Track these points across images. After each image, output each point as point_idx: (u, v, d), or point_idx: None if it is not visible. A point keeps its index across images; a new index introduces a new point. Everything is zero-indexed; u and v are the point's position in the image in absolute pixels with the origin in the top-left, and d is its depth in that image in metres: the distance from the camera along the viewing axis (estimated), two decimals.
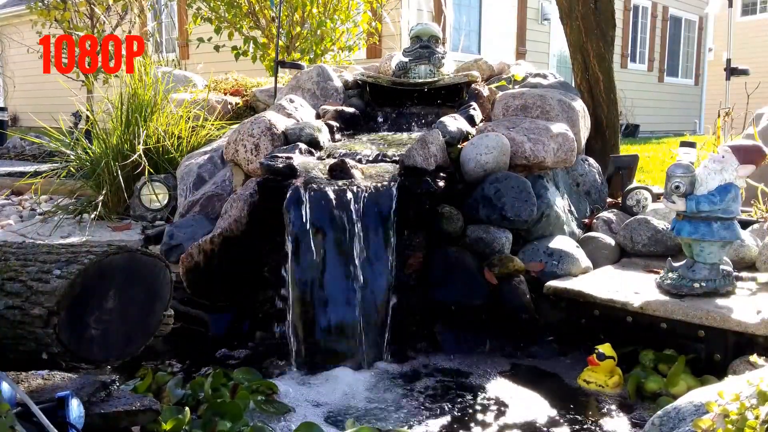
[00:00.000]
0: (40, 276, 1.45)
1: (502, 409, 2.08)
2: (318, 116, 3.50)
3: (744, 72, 3.71)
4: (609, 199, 3.42)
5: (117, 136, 3.64)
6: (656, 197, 3.23)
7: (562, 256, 2.71)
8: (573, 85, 3.84)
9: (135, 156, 3.45)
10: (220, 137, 3.82)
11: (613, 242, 2.94)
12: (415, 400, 2.14)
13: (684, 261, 2.41)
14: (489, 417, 2.02)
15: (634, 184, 3.36)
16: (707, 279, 2.34)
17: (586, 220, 3.16)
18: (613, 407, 2.10)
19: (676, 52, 15.35)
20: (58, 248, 1.55)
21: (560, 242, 2.79)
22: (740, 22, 16.39)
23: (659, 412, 1.43)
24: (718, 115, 3.52)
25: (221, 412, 1.85)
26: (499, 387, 2.23)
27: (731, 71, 3.73)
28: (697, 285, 2.33)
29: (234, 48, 6.13)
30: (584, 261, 2.76)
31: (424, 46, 3.67)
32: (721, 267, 2.37)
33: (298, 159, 2.82)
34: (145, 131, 3.60)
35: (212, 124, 3.94)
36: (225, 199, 2.99)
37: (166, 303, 1.67)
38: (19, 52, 12.05)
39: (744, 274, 2.47)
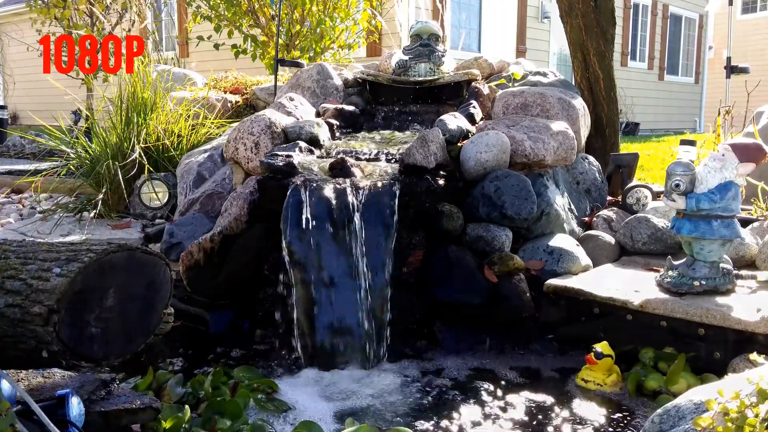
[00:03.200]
0: (40, 274, 1.45)
1: (502, 407, 2.08)
2: (318, 114, 3.50)
3: (744, 70, 3.70)
4: (609, 197, 3.42)
5: (117, 134, 3.63)
6: (656, 195, 3.23)
7: (562, 255, 2.70)
8: (573, 83, 3.84)
9: (135, 155, 3.44)
10: (220, 135, 3.82)
11: (613, 240, 2.94)
12: (414, 399, 2.14)
13: (684, 259, 2.41)
14: (488, 416, 2.02)
15: (635, 182, 3.36)
16: (707, 277, 2.34)
17: (587, 219, 3.16)
18: (612, 406, 2.10)
19: (677, 50, 15.34)
20: (59, 246, 1.55)
21: (560, 240, 2.78)
22: (740, 21, 16.39)
23: (659, 411, 1.43)
24: (719, 114, 3.52)
25: (221, 411, 1.86)
26: (498, 386, 2.23)
27: (731, 69, 3.72)
28: (697, 283, 2.33)
29: (234, 46, 6.12)
30: (584, 259, 2.76)
31: (425, 45, 3.67)
32: (721, 265, 2.37)
33: (299, 157, 2.82)
34: (144, 129, 3.60)
35: (212, 123, 3.94)
36: (225, 198, 2.99)
37: (166, 301, 1.67)
38: (18, 50, 12.05)
39: (744, 272, 2.47)
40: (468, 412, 2.04)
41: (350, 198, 2.50)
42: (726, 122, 3.46)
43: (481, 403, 2.10)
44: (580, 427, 1.96)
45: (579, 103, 3.34)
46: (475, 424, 1.97)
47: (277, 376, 2.30)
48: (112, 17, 7.43)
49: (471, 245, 2.72)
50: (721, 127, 3.44)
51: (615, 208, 3.20)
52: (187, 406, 1.82)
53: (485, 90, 3.50)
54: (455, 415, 2.02)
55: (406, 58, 3.68)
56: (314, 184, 2.53)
